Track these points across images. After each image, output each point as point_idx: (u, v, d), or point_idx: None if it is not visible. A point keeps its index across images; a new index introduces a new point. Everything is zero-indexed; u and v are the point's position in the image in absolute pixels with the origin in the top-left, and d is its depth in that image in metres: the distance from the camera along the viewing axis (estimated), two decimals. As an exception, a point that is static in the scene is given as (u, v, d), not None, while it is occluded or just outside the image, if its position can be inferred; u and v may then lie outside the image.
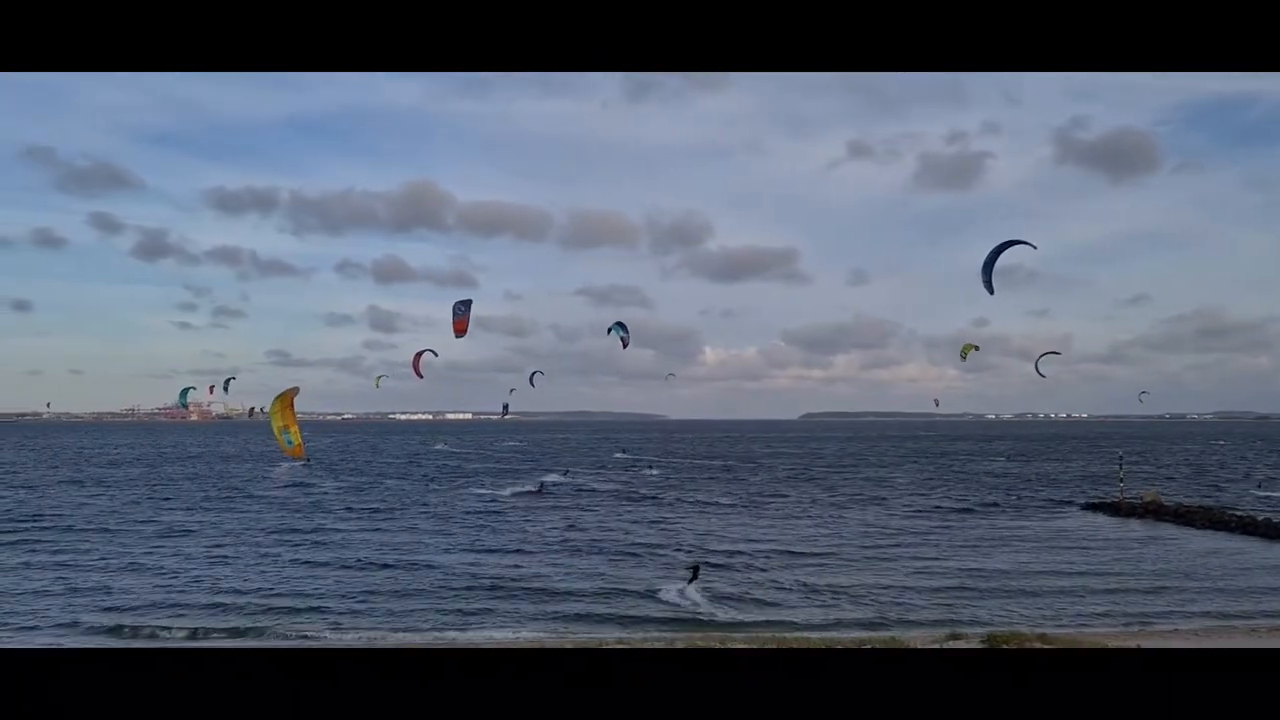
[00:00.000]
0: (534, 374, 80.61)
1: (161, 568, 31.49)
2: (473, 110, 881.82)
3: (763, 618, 24.68)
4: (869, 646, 18.54)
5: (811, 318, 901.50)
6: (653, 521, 44.98)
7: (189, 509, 49.92)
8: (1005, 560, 33.85)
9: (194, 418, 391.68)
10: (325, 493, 59.92)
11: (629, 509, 51.00)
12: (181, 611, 25.33)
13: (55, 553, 34.58)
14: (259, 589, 28.08)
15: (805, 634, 22.53)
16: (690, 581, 27.66)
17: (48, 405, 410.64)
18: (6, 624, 23.92)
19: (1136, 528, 42.95)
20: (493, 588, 28.23)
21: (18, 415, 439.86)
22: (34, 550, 35.14)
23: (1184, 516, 44.13)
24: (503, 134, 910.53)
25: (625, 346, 56.50)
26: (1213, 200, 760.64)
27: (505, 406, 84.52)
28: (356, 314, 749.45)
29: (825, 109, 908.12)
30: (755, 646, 17.22)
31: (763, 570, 31.52)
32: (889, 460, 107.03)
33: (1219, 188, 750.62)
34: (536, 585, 28.55)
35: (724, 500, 56.55)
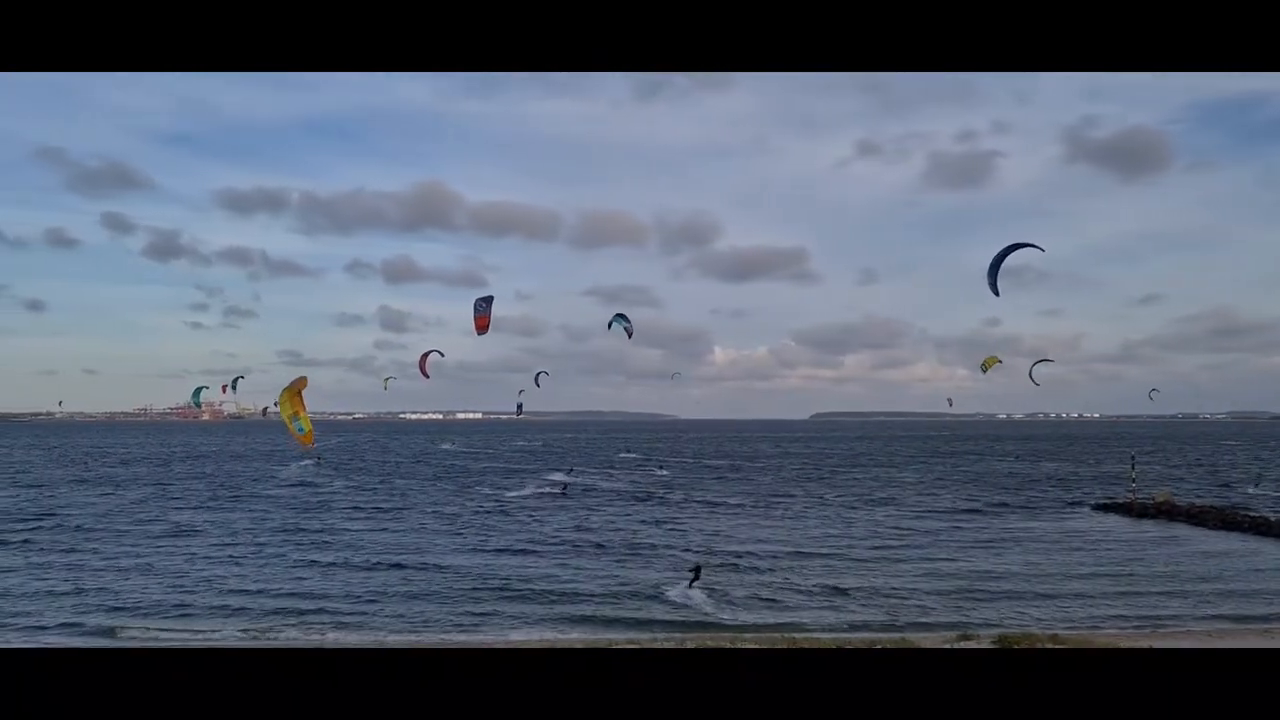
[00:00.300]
0: (539, 374, 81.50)
1: (168, 567, 31.64)
2: (482, 110, 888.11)
3: (770, 618, 24.60)
4: (878, 647, 18.46)
5: (821, 317, 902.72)
6: (661, 522, 45.02)
7: (197, 508, 50.24)
8: (1016, 561, 33.71)
9: (206, 417, 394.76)
10: (334, 492, 60.24)
11: (637, 509, 51.08)
12: (188, 611, 25.44)
13: (64, 552, 34.80)
14: (266, 589, 28.17)
15: (814, 635, 22.47)
16: (692, 583, 27.62)
17: (59, 405, 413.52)
18: (13, 624, 24.02)
19: (1149, 528, 42.71)
20: (501, 589, 28.27)
21: (31, 415, 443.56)
22: (42, 550, 35.39)
23: (1196, 517, 43.87)
24: (512, 134, 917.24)
25: (630, 336, 56.40)
26: (1225, 199, 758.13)
27: (519, 406, 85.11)
28: (367, 314, 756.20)
29: (834, 108, 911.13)
30: (759, 647, 17.16)
31: (771, 570, 31.46)
32: (899, 460, 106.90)
33: (1231, 187, 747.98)
34: (544, 586, 28.57)
35: (733, 500, 56.56)
